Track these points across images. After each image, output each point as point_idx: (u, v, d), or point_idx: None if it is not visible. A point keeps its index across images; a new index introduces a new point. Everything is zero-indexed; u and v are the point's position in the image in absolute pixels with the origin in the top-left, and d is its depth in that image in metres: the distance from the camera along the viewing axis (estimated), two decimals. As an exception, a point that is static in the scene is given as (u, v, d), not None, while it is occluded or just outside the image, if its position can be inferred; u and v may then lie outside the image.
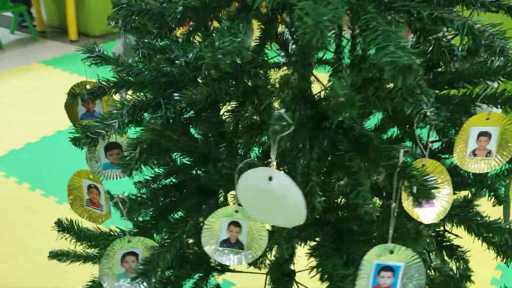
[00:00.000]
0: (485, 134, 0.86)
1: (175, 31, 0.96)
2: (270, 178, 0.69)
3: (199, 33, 0.94)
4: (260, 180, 0.69)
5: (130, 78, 0.95)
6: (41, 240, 2.23)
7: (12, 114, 3.42)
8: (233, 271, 1.31)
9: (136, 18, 0.90)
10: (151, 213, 0.94)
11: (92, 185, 0.96)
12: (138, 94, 0.94)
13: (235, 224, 0.83)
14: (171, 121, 0.85)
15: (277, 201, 0.69)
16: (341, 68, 0.86)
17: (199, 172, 0.99)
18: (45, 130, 3.21)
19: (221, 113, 0.99)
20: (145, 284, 0.81)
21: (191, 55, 0.83)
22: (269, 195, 0.70)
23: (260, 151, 0.96)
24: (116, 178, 1.01)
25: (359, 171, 0.72)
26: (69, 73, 4.09)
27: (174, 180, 0.99)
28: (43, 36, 4.98)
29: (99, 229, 1.11)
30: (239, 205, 0.81)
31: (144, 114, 0.93)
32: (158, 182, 1.01)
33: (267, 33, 0.90)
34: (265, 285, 1.26)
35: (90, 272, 1.22)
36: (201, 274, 1.24)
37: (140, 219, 0.93)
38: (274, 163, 0.67)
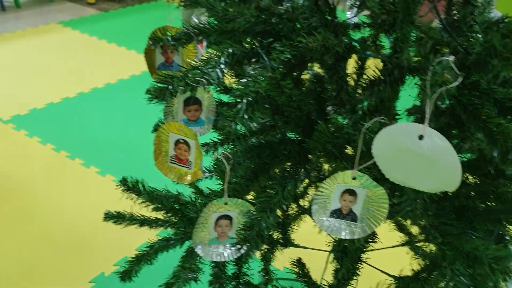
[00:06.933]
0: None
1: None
2: (421, 137, 0.60)
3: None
4: (407, 139, 0.61)
5: (219, 25, 0.85)
6: (72, 200, 2.16)
7: (32, 73, 3.31)
8: (297, 246, 1.23)
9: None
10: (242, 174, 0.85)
11: (182, 140, 0.87)
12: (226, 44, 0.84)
13: (350, 192, 0.75)
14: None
15: (426, 163, 0.61)
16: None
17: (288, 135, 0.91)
18: (67, 91, 3.10)
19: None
20: (245, 249, 0.72)
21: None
22: (416, 156, 0.61)
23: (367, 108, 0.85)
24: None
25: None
26: (87, 35, 3.97)
27: (263, 141, 0.90)
28: (60, -4, 4.84)
29: (167, 191, 1.03)
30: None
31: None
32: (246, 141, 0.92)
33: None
34: (326, 263, 1.19)
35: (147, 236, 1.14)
36: (267, 247, 1.16)
37: (233, 180, 0.85)
38: (428, 120, 0.59)
